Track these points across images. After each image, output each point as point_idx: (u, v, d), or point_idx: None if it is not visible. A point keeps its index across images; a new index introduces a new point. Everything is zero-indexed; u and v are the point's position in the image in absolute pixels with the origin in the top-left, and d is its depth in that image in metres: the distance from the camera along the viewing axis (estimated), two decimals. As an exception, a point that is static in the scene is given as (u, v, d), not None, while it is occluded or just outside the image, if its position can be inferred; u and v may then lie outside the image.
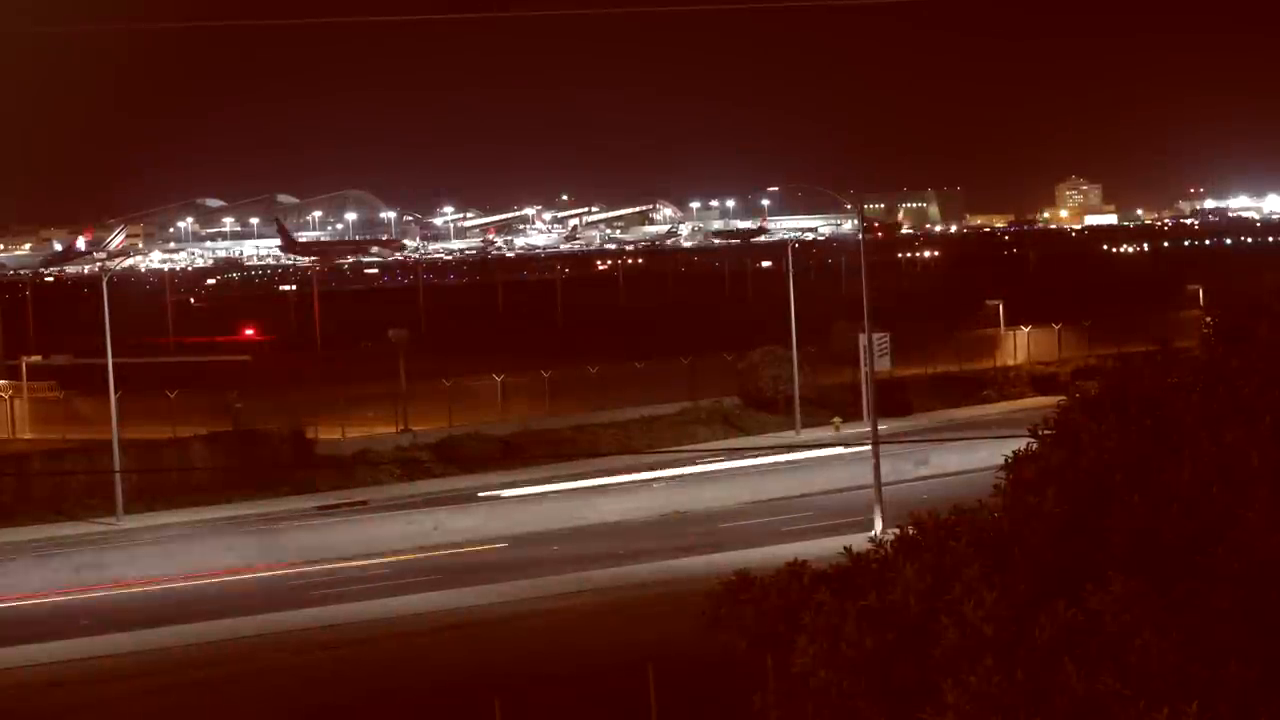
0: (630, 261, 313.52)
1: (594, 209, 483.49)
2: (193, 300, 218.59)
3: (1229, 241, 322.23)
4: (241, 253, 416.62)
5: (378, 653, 46.18)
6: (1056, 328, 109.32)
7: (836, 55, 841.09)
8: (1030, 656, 15.33)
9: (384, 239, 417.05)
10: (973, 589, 16.06)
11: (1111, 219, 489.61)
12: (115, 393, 71.58)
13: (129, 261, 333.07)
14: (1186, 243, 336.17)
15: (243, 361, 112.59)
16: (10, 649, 47.86)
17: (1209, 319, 20.92)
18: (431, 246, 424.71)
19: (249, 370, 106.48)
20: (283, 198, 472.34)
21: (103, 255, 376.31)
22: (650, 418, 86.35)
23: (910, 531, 18.17)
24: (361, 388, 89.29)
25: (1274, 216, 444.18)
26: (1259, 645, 15.50)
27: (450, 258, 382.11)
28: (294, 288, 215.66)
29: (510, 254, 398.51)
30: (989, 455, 22.09)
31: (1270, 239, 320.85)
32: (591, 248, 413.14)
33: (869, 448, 61.63)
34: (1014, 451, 18.58)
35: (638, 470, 73.95)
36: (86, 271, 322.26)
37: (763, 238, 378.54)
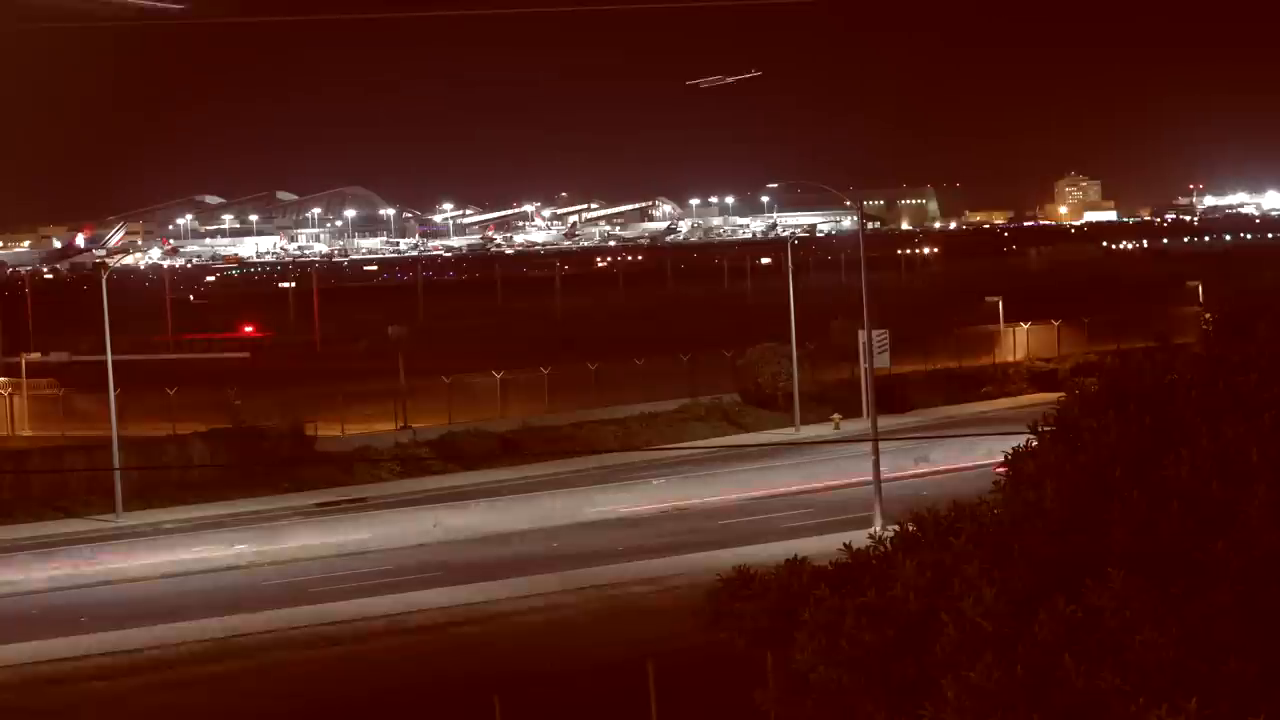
0: (630, 258, 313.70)
1: (593, 206, 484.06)
2: (192, 297, 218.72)
3: (1228, 238, 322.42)
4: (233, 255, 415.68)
5: (378, 649, 46.19)
6: (1056, 324, 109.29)
7: (836, 53, 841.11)
8: (1030, 652, 15.33)
9: None
10: (972, 585, 16.06)
11: (1111, 215, 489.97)
12: (114, 390, 71.58)
13: (129, 259, 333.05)
14: (1186, 239, 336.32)
15: (242, 358, 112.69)
16: (10, 646, 47.85)
17: (1208, 315, 20.96)
18: (431, 243, 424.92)
19: (248, 367, 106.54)
20: (282, 195, 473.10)
21: (102, 252, 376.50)
22: (650, 414, 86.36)
23: (910, 528, 18.18)
24: (361, 384, 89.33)
25: (1273, 212, 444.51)
26: (1259, 641, 15.50)
27: (450, 255, 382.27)
28: (294, 285, 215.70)
29: (510, 251, 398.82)
30: (989, 452, 22.09)
31: (1269, 235, 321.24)
32: (591, 244, 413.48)
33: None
34: (1014, 448, 18.58)
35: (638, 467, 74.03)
36: (89, 266, 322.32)
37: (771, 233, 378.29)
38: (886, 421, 76.35)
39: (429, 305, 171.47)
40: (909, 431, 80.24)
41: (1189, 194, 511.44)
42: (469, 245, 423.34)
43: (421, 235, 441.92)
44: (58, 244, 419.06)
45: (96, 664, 45.92)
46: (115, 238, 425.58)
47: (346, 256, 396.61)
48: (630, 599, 50.84)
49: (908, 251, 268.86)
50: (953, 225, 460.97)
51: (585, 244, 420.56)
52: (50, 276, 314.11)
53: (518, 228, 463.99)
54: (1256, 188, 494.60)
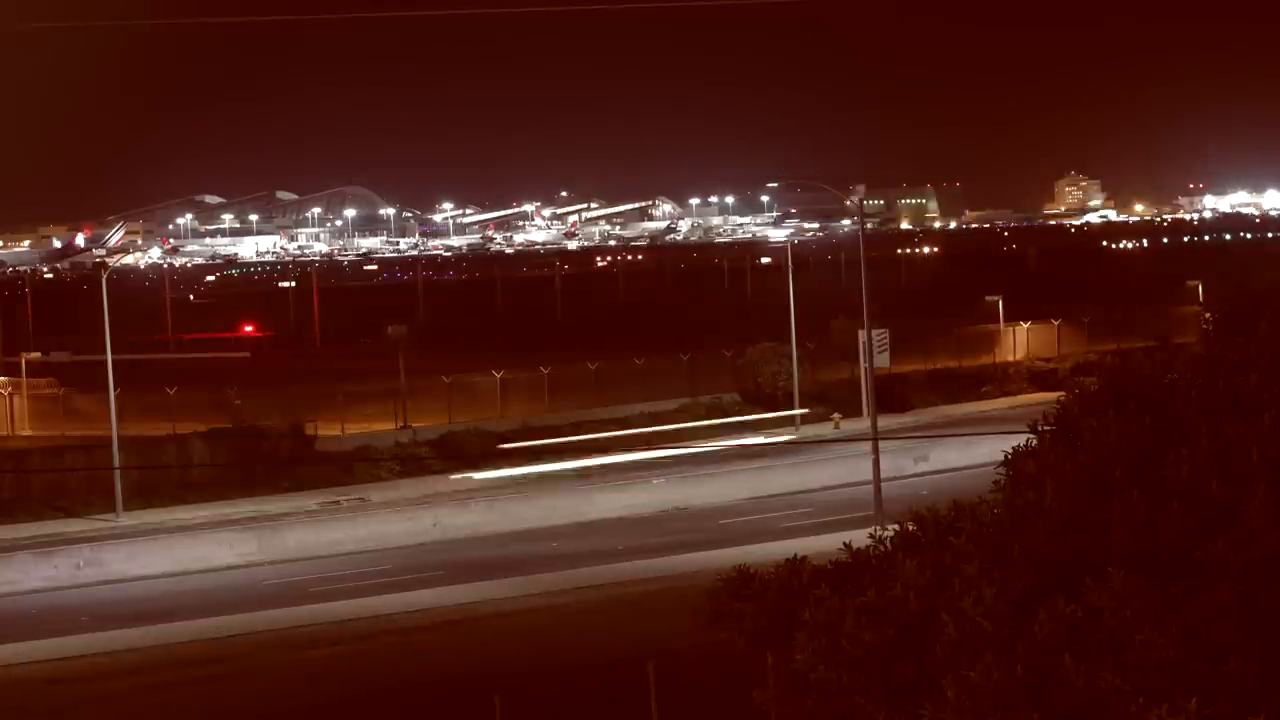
0: (630, 258, 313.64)
1: (593, 205, 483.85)
2: (192, 297, 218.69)
3: (1228, 237, 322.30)
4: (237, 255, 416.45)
5: (378, 649, 46.17)
6: (1056, 324, 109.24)
7: (835, 51, 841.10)
8: (1030, 652, 15.33)
9: None
10: (972, 585, 16.05)
11: (1111, 214, 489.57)
12: (114, 389, 71.55)
13: (129, 259, 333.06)
14: (1186, 238, 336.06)
15: (243, 358, 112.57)
16: (9, 646, 47.84)
17: (1208, 314, 20.93)
18: (431, 243, 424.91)
19: (248, 367, 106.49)
20: (282, 194, 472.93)
21: (102, 252, 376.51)
22: (650, 414, 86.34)
23: (910, 528, 18.16)
24: (361, 384, 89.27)
25: (1273, 212, 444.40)
26: (1259, 641, 15.49)
27: (450, 254, 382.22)
28: (294, 284, 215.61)
29: (509, 250, 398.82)
30: (989, 451, 22.06)
31: (1270, 234, 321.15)
32: (591, 244, 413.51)
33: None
34: (1013, 447, 18.56)
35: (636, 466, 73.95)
36: (89, 266, 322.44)
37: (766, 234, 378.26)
38: (886, 421, 76.32)
39: (429, 304, 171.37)
40: (909, 431, 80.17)
41: (1189, 194, 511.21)
42: (469, 245, 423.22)
43: (421, 235, 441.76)
44: (58, 244, 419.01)
45: (95, 664, 45.89)
46: (115, 237, 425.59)
47: (346, 256, 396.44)
48: (630, 599, 50.80)
49: (908, 251, 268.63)
50: (953, 225, 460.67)
51: (585, 243, 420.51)
52: (50, 276, 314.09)
53: (518, 227, 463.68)
54: (1257, 187, 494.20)
